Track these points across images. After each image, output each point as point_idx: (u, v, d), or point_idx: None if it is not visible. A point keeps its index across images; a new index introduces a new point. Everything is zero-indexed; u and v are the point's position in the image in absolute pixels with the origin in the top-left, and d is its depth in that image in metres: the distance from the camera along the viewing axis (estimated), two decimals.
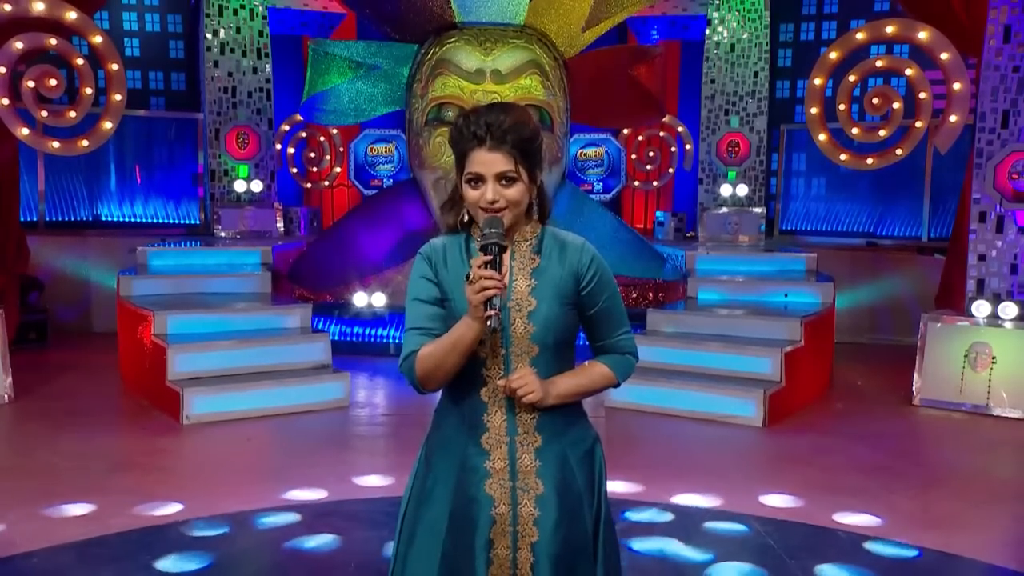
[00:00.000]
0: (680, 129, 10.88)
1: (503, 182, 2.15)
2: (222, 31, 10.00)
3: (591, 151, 11.07)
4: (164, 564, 4.15)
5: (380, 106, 8.83)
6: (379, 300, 8.38)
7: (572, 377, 2.27)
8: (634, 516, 4.76)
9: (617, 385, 2.36)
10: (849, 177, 10.52)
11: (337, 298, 8.58)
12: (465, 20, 8.27)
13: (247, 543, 4.50)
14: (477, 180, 2.16)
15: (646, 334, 7.43)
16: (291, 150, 10.74)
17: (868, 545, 4.45)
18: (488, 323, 2.08)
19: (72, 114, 7.50)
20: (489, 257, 2.07)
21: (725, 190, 10.42)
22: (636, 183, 11.34)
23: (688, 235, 10.60)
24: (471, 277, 2.07)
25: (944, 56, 7.40)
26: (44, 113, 7.53)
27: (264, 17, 10.18)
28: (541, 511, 2.21)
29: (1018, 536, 4.64)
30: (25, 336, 8.56)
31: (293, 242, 9.56)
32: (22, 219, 9.03)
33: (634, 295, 8.66)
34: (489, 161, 2.14)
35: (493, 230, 2.11)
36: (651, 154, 11.08)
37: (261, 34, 10.14)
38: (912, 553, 4.35)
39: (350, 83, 8.67)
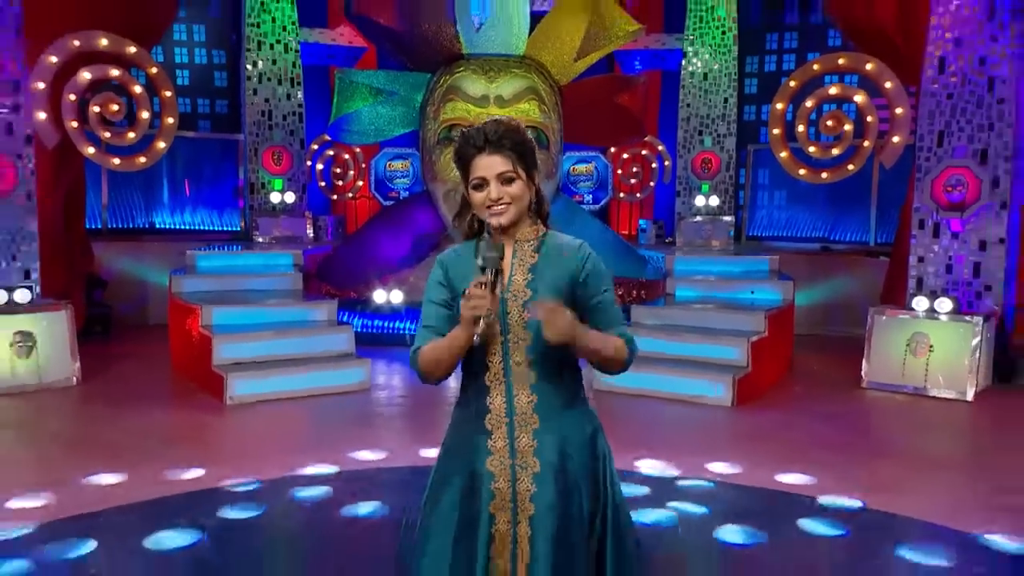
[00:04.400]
0: (660, 147, 10.91)
1: (504, 182, 2.14)
2: (260, 63, 10.06)
3: (582, 167, 11.08)
4: (221, 516, 4.20)
5: (397, 127, 8.87)
6: (396, 296, 8.41)
7: (596, 334, 2.14)
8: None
9: (624, 365, 2.20)
10: (807, 190, 10.55)
11: (360, 295, 8.61)
12: (471, 52, 8.32)
13: (285, 506, 4.53)
14: (481, 183, 2.14)
15: (631, 326, 7.45)
16: (320, 166, 10.77)
17: (822, 499, 4.53)
18: (476, 338, 2.05)
19: (131, 135, 7.58)
20: (486, 279, 2.03)
21: (699, 201, 10.46)
22: (622, 195, 11.34)
23: (667, 240, 10.63)
24: (466, 294, 2.04)
25: (888, 85, 7.47)
26: (107, 134, 7.60)
27: (297, 51, 10.24)
28: (538, 487, 2.15)
29: (952, 500, 4.68)
30: (91, 329, 8.61)
31: (321, 246, 9.60)
32: (88, 226, 9.10)
33: (620, 292, 8.67)
34: (490, 164, 2.13)
35: (491, 255, 2.06)
36: (635, 169, 11.10)
37: (294, 65, 10.21)
38: (858, 504, 4.47)
39: (371, 107, 8.71)
